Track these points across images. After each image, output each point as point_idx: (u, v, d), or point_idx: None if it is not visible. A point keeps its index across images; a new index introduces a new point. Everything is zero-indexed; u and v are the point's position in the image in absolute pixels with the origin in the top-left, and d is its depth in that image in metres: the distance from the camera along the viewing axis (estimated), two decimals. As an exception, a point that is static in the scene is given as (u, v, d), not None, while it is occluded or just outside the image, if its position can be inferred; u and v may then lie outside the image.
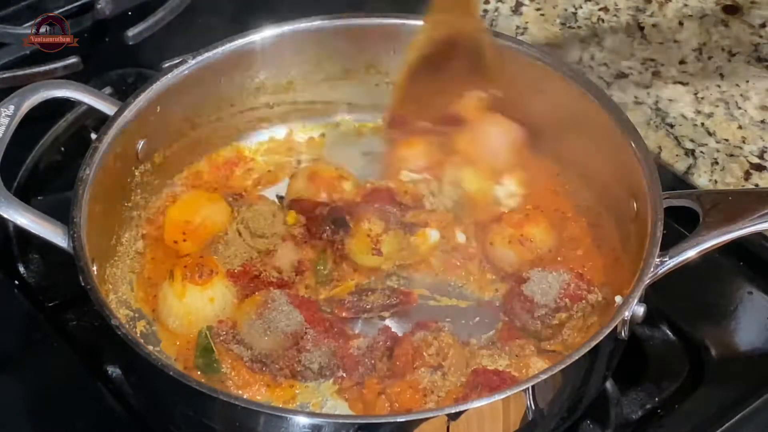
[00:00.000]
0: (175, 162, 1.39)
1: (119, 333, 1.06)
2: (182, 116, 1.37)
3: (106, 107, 1.29)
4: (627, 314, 1.08)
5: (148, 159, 1.33)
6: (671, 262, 1.11)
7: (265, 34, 1.38)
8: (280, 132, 1.46)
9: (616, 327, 1.07)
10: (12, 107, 1.25)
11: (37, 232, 1.16)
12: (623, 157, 1.22)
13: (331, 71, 1.43)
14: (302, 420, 1.00)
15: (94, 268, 1.15)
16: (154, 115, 1.31)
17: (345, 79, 1.44)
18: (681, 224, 1.24)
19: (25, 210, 1.16)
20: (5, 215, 1.16)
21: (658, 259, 1.10)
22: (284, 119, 1.46)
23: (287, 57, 1.40)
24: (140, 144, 1.31)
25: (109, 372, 1.23)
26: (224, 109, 1.41)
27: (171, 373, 1.03)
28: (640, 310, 1.09)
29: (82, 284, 1.10)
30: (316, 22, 1.39)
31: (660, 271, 1.11)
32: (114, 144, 1.25)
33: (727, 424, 1.17)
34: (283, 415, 1.02)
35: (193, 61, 1.34)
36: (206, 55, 1.35)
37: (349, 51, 1.41)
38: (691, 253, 1.12)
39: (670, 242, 1.13)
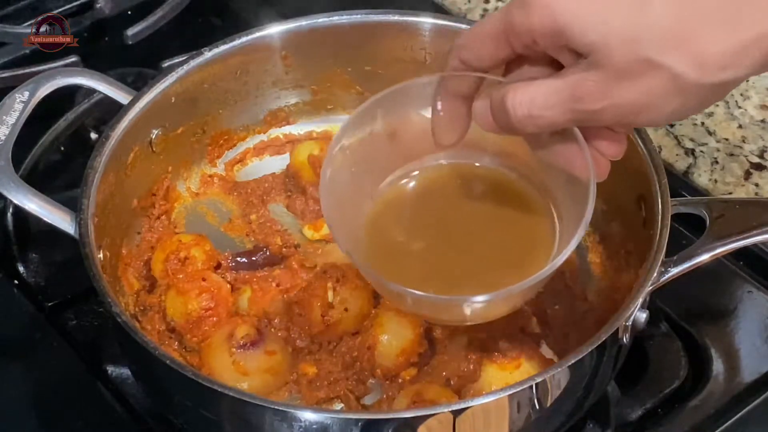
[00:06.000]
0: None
1: (119, 320, 1.05)
2: (197, 108, 1.36)
3: (122, 96, 1.29)
4: (629, 319, 1.08)
5: (161, 150, 1.33)
6: (674, 270, 1.11)
7: (282, 28, 1.37)
8: (296, 128, 1.46)
9: (617, 331, 1.07)
10: (27, 93, 1.24)
11: (45, 218, 1.15)
12: (633, 162, 1.20)
13: (349, 68, 1.42)
14: (308, 416, 1.00)
15: (100, 255, 1.15)
16: (169, 106, 1.31)
17: (362, 75, 1.42)
18: (688, 228, 1.25)
19: (33, 195, 1.16)
20: (14, 200, 1.16)
21: (661, 267, 1.10)
22: (303, 115, 1.46)
23: (305, 52, 1.39)
24: (154, 134, 1.31)
25: (109, 372, 1.23)
26: (240, 102, 1.40)
27: (168, 362, 1.03)
28: (642, 316, 1.09)
29: (87, 272, 1.10)
30: (334, 18, 1.38)
31: (663, 279, 1.10)
32: (127, 133, 1.25)
33: (727, 424, 1.17)
34: (286, 410, 1.01)
35: (210, 54, 1.34)
36: (223, 47, 1.34)
37: (367, 47, 1.40)
38: (695, 261, 1.11)
39: (675, 245, 1.13)
